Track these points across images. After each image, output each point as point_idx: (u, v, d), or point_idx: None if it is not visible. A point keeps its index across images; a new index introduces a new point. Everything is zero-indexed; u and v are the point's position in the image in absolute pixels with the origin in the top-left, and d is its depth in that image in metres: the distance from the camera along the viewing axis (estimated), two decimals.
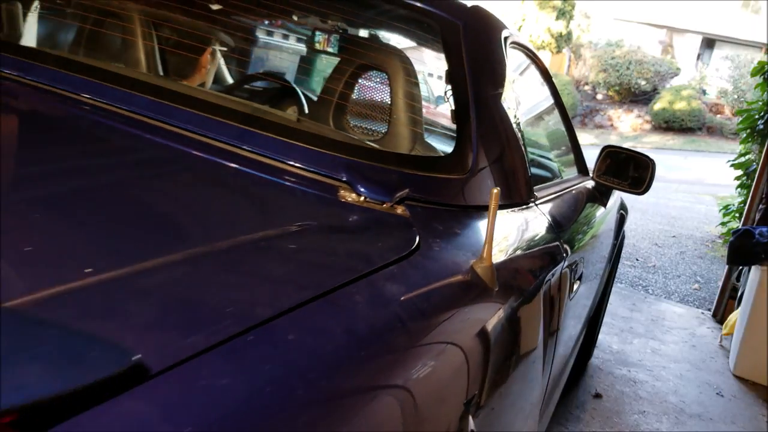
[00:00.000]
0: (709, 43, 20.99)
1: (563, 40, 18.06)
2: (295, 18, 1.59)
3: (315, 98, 1.58)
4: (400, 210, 0.82)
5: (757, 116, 5.05)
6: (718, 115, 17.39)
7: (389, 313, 0.59)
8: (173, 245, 0.57)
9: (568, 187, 1.66)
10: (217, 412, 0.37)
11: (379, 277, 0.63)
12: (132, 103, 0.91)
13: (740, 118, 5.33)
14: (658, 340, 3.33)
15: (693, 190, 10.42)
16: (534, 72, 1.67)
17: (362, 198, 0.82)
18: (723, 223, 5.93)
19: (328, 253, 0.68)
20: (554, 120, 1.95)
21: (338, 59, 1.32)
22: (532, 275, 1.01)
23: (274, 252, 0.62)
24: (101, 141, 0.85)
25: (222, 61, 1.76)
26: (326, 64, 1.64)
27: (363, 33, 1.51)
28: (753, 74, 5.14)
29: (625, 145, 2.09)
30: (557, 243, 1.22)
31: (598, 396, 2.46)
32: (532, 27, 17.96)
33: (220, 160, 0.83)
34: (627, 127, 17.19)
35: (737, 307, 3.43)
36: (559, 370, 1.45)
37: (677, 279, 4.95)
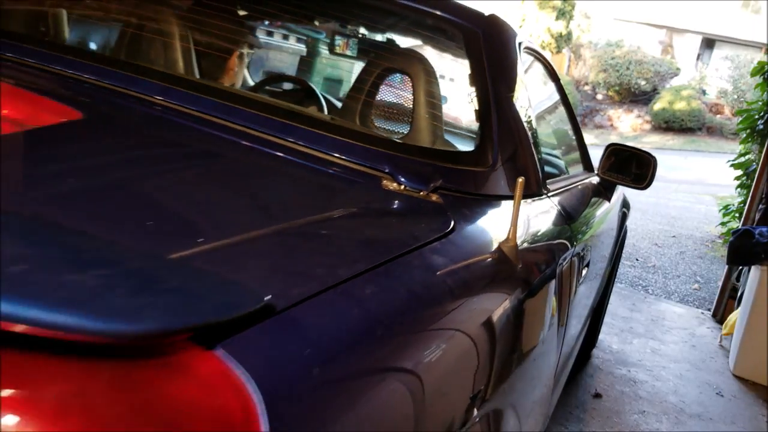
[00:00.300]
0: (708, 43, 20.99)
1: (563, 40, 18.06)
2: (317, 23, 1.75)
3: (333, 100, 1.72)
4: (434, 197, 0.96)
5: (756, 116, 5.05)
6: (718, 115, 17.39)
7: (437, 278, 0.75)
8: (270, 218, 0.73)
9: (576, 182, 1.78)
10: (321, 342, 0.53)
11: (426, 250, 0.77)
12: (199, 104, 1.06)
13: (740, 118, 5.33)
14: (657, 340, 3.33)
15: (693, 190, 10.42)
16: (544, 74, 1.79)
17: (402, 186, 0.96)
18: (723, 223, 5.93)
19: (381, 230, 0.83)
20: (563, 119, 2.07)
21: (365, 63, 1.45)
22: (548, 257, 1.15)
23: (339, 228, 0.77)
24: (185, 137, 1.00)
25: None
26: (352, 68, 1.78)
27: (389, 39, 1.62)
28: (753, 74, 5.14)
29: None
30: (568, 231, 1.37)
31: (597, 396, 2.46)
32: (532, 27, 17.94)
33: (279, 154, 0.99)
34: (627, 127, 17.19)
35: (737, 307, 3.43)
36: (570, 346, 1.64)
37: (677, 279, 4.95)
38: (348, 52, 1.83)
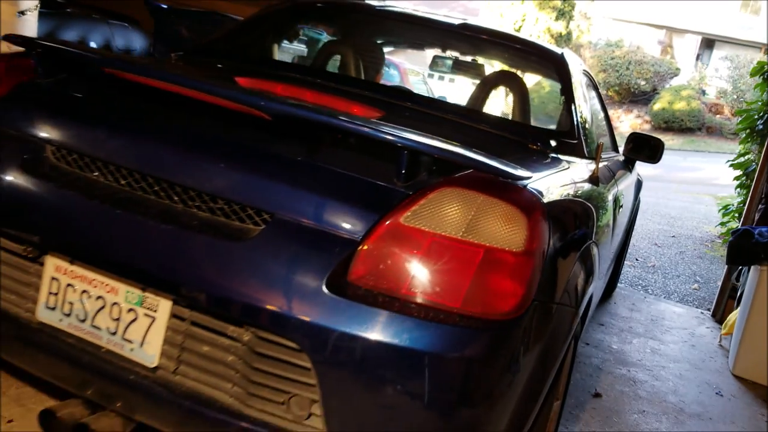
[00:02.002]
0: (708, 43, 20.98)
1: (563, 40, 18.04)
2: (453, 53, 2.81)
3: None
4: (552, 154, 1.84)
5: (756, 116, 5.05)
6: (718, 116, 17.39)
7: (570, 183, 1.59)
8: (496, 154, 1.32)
9: (611, 156, 2.74)
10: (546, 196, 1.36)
11: (564, 173, 1.63)
12: (428, 104, 2.18)
13: (740, 118, 5.33)
14: (657, 339, 3.33)
15: (692, 190, 10.43)
16: (591, 85, 2.69)
17: (538, 147, 1.87)
18: (722, 223, 5.94)
19: (540, 163, 1.67)
20: (600, 114, 2.90)
21: (506, 83, 2.37)
22: (607, 189, 2.08)
23: (524, 159, 1.63)
24: (430, 119, 1.94)
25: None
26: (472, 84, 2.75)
27: (515, 66, 2.67)
28: (752, 74, 5.15)
29: None
30: (613, 180, 2.32)
31: (597, 395, 2.46)
32: (531, 27, 17.93)
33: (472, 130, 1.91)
34: (627, 127, 17.18)
35: (736, 307, 3.44)
36: (615, 249, 2.78)
37: (677, 279, 4.95)
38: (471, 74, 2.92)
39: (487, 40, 2.43)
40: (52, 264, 1.27)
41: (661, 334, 3.43)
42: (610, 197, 2.11)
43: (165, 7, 3.36)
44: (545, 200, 1.25)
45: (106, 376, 1.23)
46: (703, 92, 18.20)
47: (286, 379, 1.13)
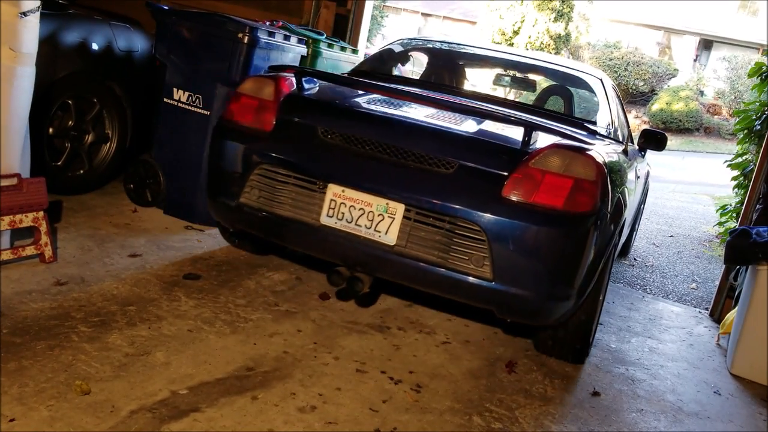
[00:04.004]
0: (706, 44, 20.99)
1: (562, 41, 18.05)
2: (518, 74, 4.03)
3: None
4: (598, 138, 2.85)
5: (754, 117, 5.07)
6: (716, 116, 17.41)
7: (611, 153, 2.67)
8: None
9: (629, 145, 3.47)
10: (600, 161, 2.38)
11: (608, 146, 2.72)
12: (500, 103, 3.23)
13: (737, 119, 5.35)
14: (655, 339, 3.34)
15: (690, 190, 10.44)
16: (616, 95, 3.73)
17: (590, 131, 2.92)
18: (720, 223, 5.95)
19: (594, 140, 2.62)
20: (622, 115, 3.82)
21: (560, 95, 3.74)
22: (632, 163, 3.13)
23: (586, 138, 2.60)
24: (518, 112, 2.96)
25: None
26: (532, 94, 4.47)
27: (569, 82, 3.83)
28: (750, 75, 5.17)
29: None
30: (634, 158, 3.28)
31: (596, 394, 2.47)
32: (530, 28, 17.93)
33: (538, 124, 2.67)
34: None
35: (734, 306, 3.45)
36: (634, 212, 3.95)
37: (675, 278, 4.97)
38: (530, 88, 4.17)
39: (550, 66, 3.77)
40: (332, 191, 2.30)
41: (659, 333, 3.45)
42: (633, 168, 3.09)
43: (167, 8, 3.37)
44: (602, 157, 2.29)
45: (362, 252, 2.27)
46: (701, 93, 18.22)
47: (470, 246, 2.16)
